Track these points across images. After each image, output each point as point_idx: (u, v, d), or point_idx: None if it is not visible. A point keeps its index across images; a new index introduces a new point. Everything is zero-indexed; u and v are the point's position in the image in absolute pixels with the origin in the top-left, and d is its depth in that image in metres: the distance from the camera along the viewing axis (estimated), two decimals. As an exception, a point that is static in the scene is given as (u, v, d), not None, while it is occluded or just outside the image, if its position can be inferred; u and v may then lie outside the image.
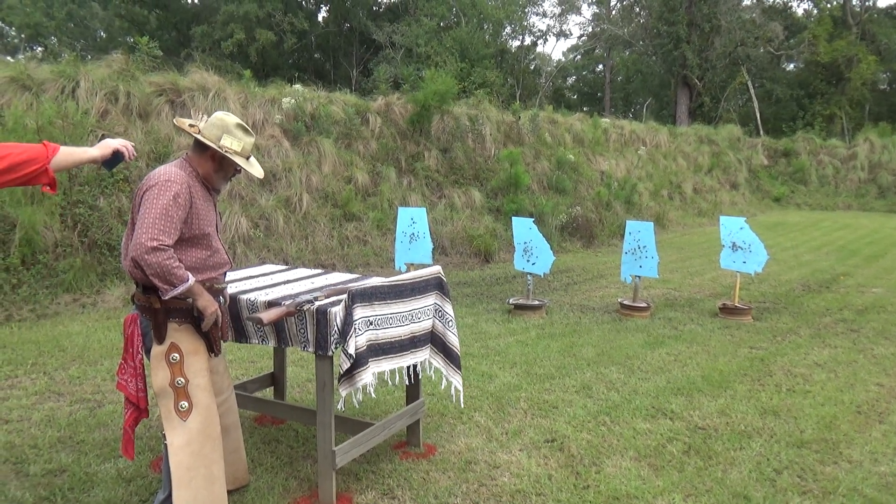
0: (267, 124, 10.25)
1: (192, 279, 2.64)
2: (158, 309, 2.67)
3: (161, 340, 2.69)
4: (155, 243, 2.51)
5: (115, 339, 5.88)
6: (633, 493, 3.34)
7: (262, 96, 10.56)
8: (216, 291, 2.87)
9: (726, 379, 5.16)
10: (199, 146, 2.79)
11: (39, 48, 25.67)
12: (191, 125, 2.79)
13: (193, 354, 2.75)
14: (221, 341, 2.97)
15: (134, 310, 2.79)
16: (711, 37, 29.05)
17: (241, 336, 3.29)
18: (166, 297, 2.61)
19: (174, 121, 2.96)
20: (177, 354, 2.70)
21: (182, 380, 2.70)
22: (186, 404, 2.70)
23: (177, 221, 2.61)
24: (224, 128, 2.77)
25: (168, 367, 2.69)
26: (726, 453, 3.83)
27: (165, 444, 2.69)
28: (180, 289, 2.60)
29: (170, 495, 2.70)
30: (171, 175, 2.67)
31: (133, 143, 2.45)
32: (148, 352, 2.75)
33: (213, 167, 2.82)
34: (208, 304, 2.73)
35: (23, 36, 26.16)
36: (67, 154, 2.48)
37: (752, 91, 30.29)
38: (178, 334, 2.72)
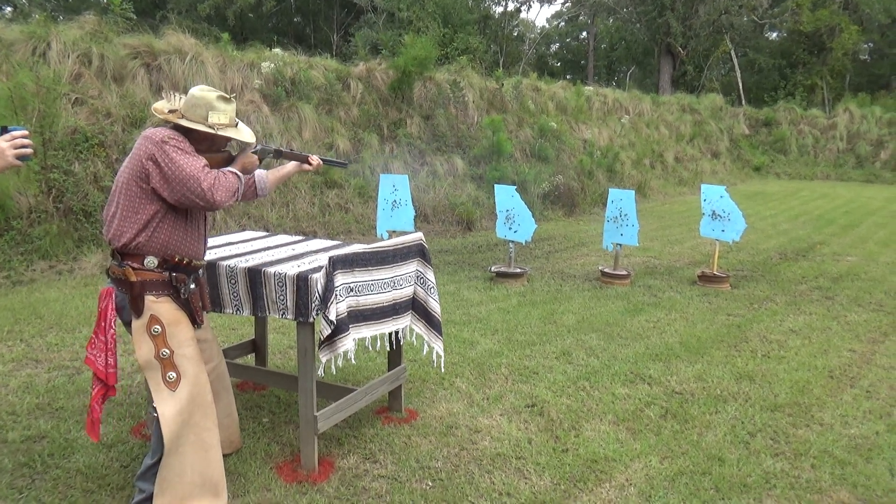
0: (246, 89, 10.06)
1: (237, 177, 2.75)
2: (134, 282, 2.61)
3: (139, 314, 2.63)
4: (206, 184, 2.57)
5: (92, 307, 5.82)
6: (611, 455, 3.41)
7: (241, 60, 10.35)
8: (195, 268, 2.82)
9: (703, 345, 5.24)
10: (187, 128, 2.69)
11: (9, 8, 24.85)
12: (170, 111, 2.69)
13: (175, 325, 2.70)
14: (204, 312, 2.95)
15: (109, 283, 2.73)
16: (696, 4, 28.87)
17: (215, 305, 3.27)
18: (261, 197, 3.00)
19: (152, 109, 2.85)
20: (158, 326, 2.65)
21: (167, 350, 2.66)
22: (175, 375, 2.67)
23: (195, 155, 2.65)
24: (207, 105, 2.68)
25: (151, 339, 2.64)
26: (702, 417, 3.91)
27: (156, 415, 2.66)
28: (257, 184, 2.99)
29: (158, 461, 2.70)
30: (171, 132, 2.64)
31: (27, 130, 2.23)
32: (127, 325, 2.69)
33: (206, 145, 2.76)
34: (252, 166, 2.95)
35: (-9, -5, 25.28)
36: None
37: (734, 60, 30.27)
38: (157, 306, 2.66)
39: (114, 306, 2.67)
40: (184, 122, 2.67)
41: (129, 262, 2.62)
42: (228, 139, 2.81)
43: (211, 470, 2.74)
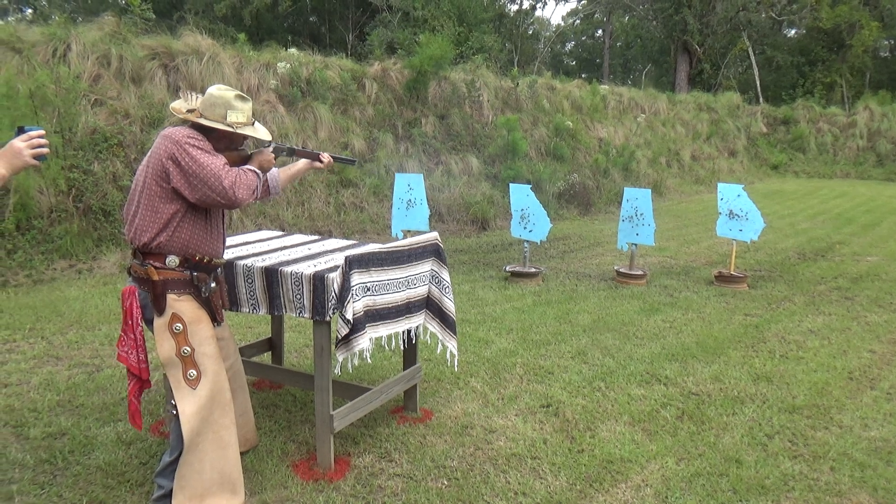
0: (262, 89, 10.12)
1: (257, 174, 2.77)
2: (157, 281, 2.65)
3: (161, 312, 2.67)
4: (227, 182, 2.60)
5: (112, 305, 5.89)
6: (627, 457, 3.39)
7: (257, 60, 10.41)
8: (215, 266, 2.86)
9: (720, 345, 5.20)
10: (206, 127, 2.73)
11: (29, 10, 25.17)
12: (189, 111, 2.73)
13: (196, 323, 2.73)
14: (223, 310, 2.99)
15: (130, 282, 2.76)
16: (713, 1, 28.62)
17: (232, 304, 3.29)
18: (273, 196, 2.97)
19: (171, 108, 2.89)
20: (179, 325, 2.68)
21: (188, 348, 2.69)
22: (195, 373, 2.70)
23: (215, 154, 2.68)
24: (226, 104, 2.72)
25: (172, 337, 2.68)
26: (719, 418, 3.88)
27: (175, 413, 2.70)
28: (269, 182, 2.98)
29: (176, 458, 2.73)
30: (191, 132, 2.68)
31: (43, 130, 2.24)
32: (149, 323, 2.73)
33: (225, 143, 2.80)
34: (269, 165, 2.93)
35: (12, -3, 25.63)
36: None
37: (752, 58, 29.96)
38: (179, 304, 2.70)
39: (138, 304, 2.70)
40: (203, 121, 2.70)
41: (151, 262, 2.66)
42: (246, 137, 2.85)
43: (229, 467, 2.77)
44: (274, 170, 3.11)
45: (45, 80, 7.42)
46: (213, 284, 2.82)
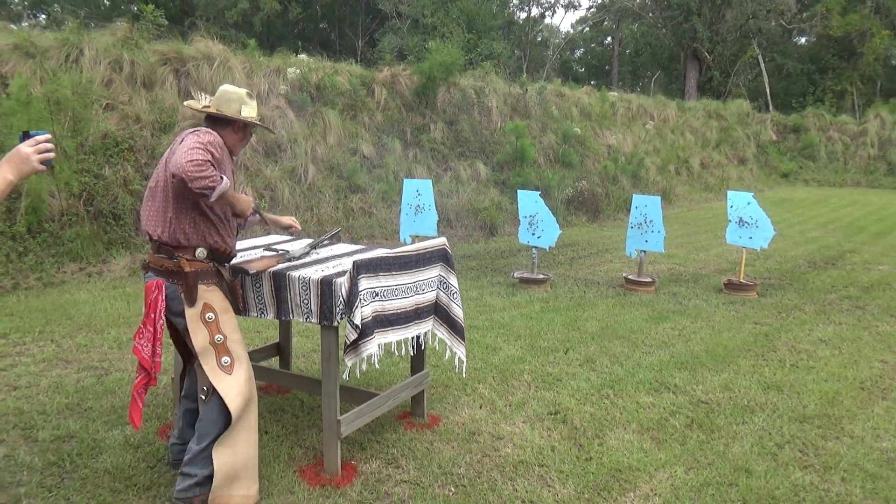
0: (272, 95, 10.18)
1: (227, 181, 2.68)
2: (189, 272, 2.78)
3: (193, 303, 2.80)
4: (191, 155, 2.56)
5: (121, 308, 5.91)
6: (636, 465, 3.37)
7: (267, 66, 10.47)
8: (231, 256, 3.00)
9: (730, 354, 5.17)
10: (220, 121, 2.91)
11: (43, 16, 25.42)
12: (205, 106, 2.91)
13: (225, 312, 2.89)
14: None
15: (146, 277, 2.85)
16: (722, 9, 28.59)
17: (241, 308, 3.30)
18: (211, 200, 2.62)
19: (186, 105, 2.98)
20: (211, 314, 2.82)
21: (221, 336, 2.83)
22: (228, 359, 2.83)
23: (214, 152, 2.68)
24: (240, 99, 2.92)
25: (205, 326, 2.80)
26: (728, 427, 3.85)
27: (203, 398, 2.81)
28: (221, 187, 2.62)
29: (208, 444, 2.79)
30: (217, 137, 2.80)
31: (49, 135, 2.23)
32: (176, 316, 2.83)
33: (239, 137, 2.99)
34: (245, 207, 2.85)
35: (26, 3, 25.90)
36: None
37: (762, 65, 29.88)
38: (209, 294, 2.85)
39: (164, 297, 2.77)
40: (221, 114, 2.87)
41: (182, 255, 2.79)
42: (254, 130, 3.08)
43: (253, 456, 2.89)
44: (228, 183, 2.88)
45: (66, 84, 7.49)
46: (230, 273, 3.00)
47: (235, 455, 2.82)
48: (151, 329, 2.75)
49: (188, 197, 2.73)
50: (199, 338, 2.79)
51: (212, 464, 2.78)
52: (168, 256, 2.79)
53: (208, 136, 2.74)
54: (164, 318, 2.79)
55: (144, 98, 8.60)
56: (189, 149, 2.61)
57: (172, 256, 2.79)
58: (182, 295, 2.79)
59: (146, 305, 2.78)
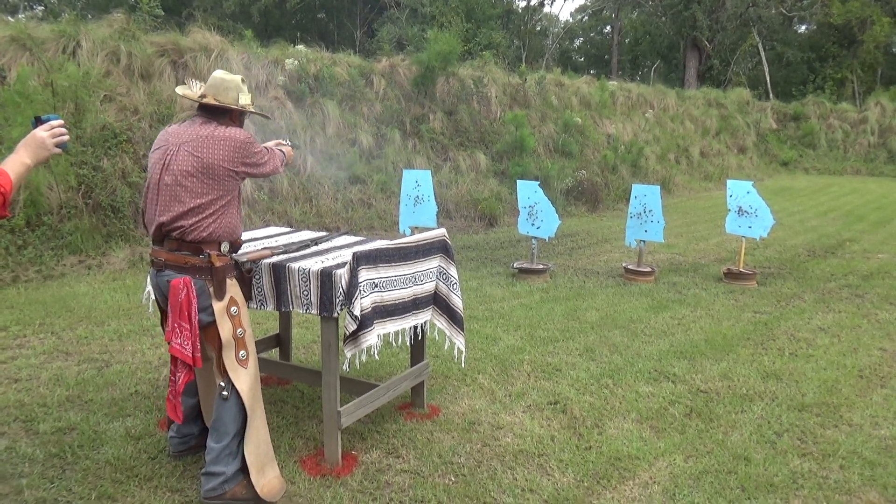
0: (270, 86, 10.14)
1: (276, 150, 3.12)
2: (219, 267, 2.79)
3: (222, 297, 2.81)
4: (271, 166, 3.01)
5: (121, 300, 5.92)
6: (635, 454, 3.38)
7: (265, 57, 10.43)
8: (240, 245, 3.03)
9: (729, 343, 5.18)
10: (217, 110, 2.89)
11: (39, 7, 25.27)
12: (201, 96, 2.88)
13: (244, 305, 2.93)
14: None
15: (160, 276, 2.84)
16: (722, -3, 28.44)
17: None
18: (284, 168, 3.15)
19: (179, 92, 2.97)
20: (236, 307, 2.85)
21: (242, 330, 2.86)
22: (245, 353, 2.87)
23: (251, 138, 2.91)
24: (237, 87, 2.91)
25: (230, 319, 2.83)
26: (727, 416, 3.87)
27: (224, 394, 2.82)
28: (284, 157, 3.19)
29: (230, 442, 2.83)
30: (234, 128, 2.89)
31: (61, 119, 2.26)
32: (200, 312, 2.77)
33: (237, 123, 2.99)
34: (288, 155, 3.27)
35: (22, -6, 25.74)
36: (16, 177, 2.16)
37: (762, 53, 29.75)
38: (234, 288, 2.88)
39: (195, 294, 2.75)
40: (220, 103, 2.86)
41: (209, 250, 2.79)
42: (249, 116, 3.18)
43: (269, 441, 2.95)
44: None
45: (74, 73, 7.46)
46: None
47: (259, 446, 2.88)
48: (188, 325, 2.72)
49: (231, 190, 2.82)
50: (224, 331, 2.80)
51: (236, 459, 2.85)
52: (193, 253, 2.76)
53: (236, 131, 2.84)
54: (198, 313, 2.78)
55: (142, 89, 8.56)
56: (255, 151, 2.86)
57: (200, 253, 2.77)
58: (211, 290, 2.79)
59: (174, 305, 2.73)
